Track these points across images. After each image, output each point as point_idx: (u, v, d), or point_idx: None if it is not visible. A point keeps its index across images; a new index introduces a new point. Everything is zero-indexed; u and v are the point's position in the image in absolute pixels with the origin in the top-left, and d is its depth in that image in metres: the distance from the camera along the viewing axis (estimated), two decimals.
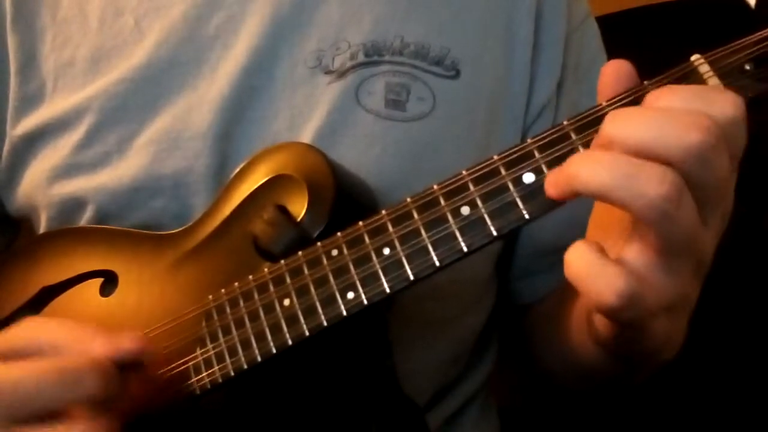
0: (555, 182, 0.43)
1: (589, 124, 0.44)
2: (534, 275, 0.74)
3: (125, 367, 0.48)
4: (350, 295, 0.48)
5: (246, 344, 0.51)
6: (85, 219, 0.65)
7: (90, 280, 0.60)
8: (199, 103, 0.64)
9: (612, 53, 0.47)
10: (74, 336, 0.48)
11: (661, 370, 0.56)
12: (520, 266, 0.75)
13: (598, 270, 0.40)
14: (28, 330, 0.49)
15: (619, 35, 0.78)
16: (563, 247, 0.42)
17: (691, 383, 0.97)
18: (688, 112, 0.40)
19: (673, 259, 0.41)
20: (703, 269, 0.45)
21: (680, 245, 0.40)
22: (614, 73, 0.45)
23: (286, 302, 0.50)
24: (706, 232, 0.42)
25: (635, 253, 0.42)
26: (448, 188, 0.47)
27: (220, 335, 0.52)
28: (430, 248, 0.46)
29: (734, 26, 0.45)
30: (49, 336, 0.48)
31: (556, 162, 0.44)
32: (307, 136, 0.63)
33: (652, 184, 0.38)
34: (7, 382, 0.45)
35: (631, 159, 0.39)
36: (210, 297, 0.54)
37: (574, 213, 0.50)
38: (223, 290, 0.53)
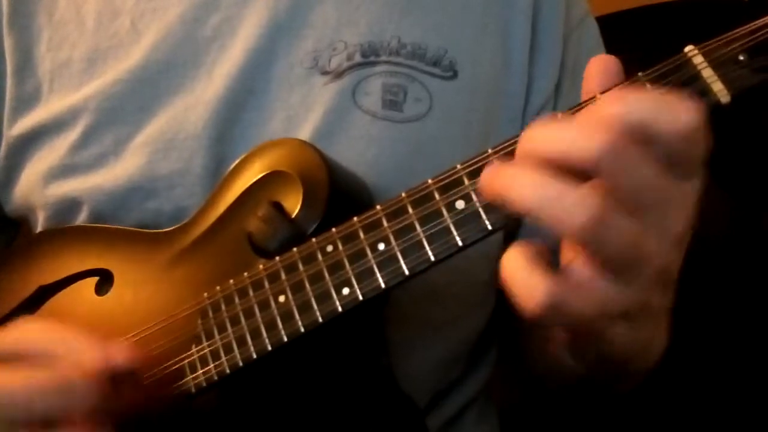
0: (488, 186, 0.41)
1: None
2: None
3: (117, 377, 0.49)
4: (345, 291, 0.48)
5: (241, 341, 0.51)
6: (80, 220, 0.65)
7: (86, 279, 0.60)
8: (195, 105, 0.64)
9: (612, 53, 0.47)
10: (68, 345, 0.49)
11: (661, 369, 0.56)
12: None
13: (523, 277, 0.40)
14: (24, 333, 0.51)
15: (619, 35, 0.77)
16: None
17: (691, 384, 0.97)
18: (600, 115, 0.39)
19: (618, 271, 0.40)
20: (666, 277, 0.43)
21: (619, 260, 0.39)
22: (600, 68, 0.44)
23: (282, 299, 0.50)
24: (657, 241, 0.41)
25: (580, 263, 0.41)
26: (443, 182, 0.46)
27: (216, 333, 0.52)
28: (425, 243, 0.46)
29: (733, 26, 0.45)
30: (44, 342, 0.50)
31: None
32: (303, 137, 0.63)
33: (574, 210, 0.38)
34: (3, 390, 0.47)
35: (556, 182, 0.39)
36: (205, 294, 0.54)
37: None
38: (218, 287, 0.53)
